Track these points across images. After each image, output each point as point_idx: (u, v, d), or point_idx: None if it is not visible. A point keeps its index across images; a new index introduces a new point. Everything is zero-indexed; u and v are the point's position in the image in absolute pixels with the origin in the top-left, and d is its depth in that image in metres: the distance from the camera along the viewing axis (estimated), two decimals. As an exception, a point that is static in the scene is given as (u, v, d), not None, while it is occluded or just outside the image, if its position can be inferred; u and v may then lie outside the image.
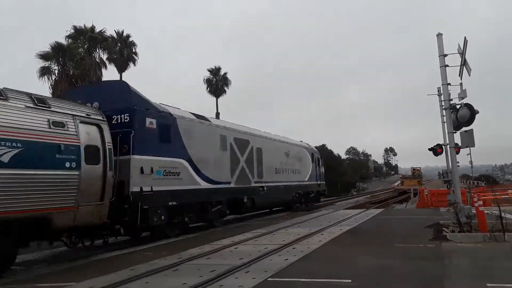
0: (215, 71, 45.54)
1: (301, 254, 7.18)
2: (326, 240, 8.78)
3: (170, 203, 10.13)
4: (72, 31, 25.18)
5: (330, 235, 9.66)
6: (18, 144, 6.44)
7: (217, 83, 45.40)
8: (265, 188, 15.66)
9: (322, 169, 24.16)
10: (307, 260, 6.75)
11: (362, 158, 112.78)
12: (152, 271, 6.12)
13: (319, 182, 22.92)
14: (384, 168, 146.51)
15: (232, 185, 13.26)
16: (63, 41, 24.25)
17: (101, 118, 8.44)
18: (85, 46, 25.35)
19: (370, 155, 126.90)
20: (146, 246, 9.02)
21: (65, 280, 5.93)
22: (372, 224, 12.52)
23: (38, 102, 7.23)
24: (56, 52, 22.93)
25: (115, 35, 30.95)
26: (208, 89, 45.25)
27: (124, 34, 32.05)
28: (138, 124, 9.32)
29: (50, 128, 7.10)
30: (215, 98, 45.24)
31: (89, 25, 25.95)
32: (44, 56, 22.58)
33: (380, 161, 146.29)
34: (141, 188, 9.09)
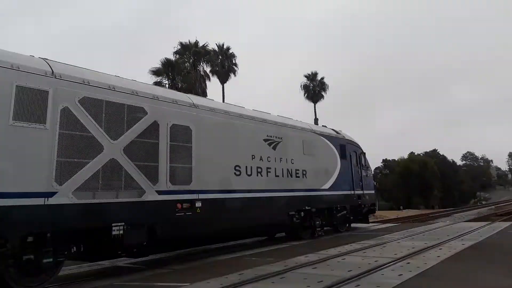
0: (311, 76, 45.51)
1: (417, 270, 6.54)
2: (445, 256, 7.90)
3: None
4: (179, 47, 27.70)
5: (450, 250, 8.67)
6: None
7: (314, 89, 45.27)
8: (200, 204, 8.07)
9: (368, 172, 15.63)
10: (425, 277, 6.12)
11: (482, 164, 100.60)
12: (259, 277, 6.23)
13: (358, 192, 14.25)
14: (510, 175, 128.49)
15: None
16: (171, 56, 26.84)
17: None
18: (191, 60, 27.64)
19: (492, 160, 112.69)
20: (252, 252, 9.34)
21: (178, 280, 6.40)
22: (501, 239, 10.97)
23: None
24: (166, 68, 25.45)
25: (216, 48, 33.11)
26: (306, 95, 45.39)
27: (225, 46, 34.08)
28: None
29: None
30: (312, 104, 45.18)
31: (193, 40, 28.26)
32: (156, 72, 25.28)
33: (504, 167, 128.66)
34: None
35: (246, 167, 9.52)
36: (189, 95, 9.31)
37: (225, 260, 8.43)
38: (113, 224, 6.45)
